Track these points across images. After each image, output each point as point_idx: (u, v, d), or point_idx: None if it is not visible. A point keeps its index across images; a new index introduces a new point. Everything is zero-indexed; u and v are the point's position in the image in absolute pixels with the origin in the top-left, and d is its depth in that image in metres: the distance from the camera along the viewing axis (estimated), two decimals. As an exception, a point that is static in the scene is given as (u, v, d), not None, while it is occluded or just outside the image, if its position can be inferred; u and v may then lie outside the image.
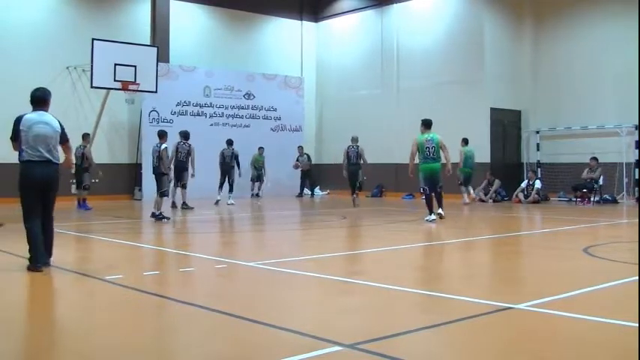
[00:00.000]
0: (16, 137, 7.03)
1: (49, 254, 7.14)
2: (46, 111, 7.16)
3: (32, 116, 7.03)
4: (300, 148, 21.78)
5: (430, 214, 12.28)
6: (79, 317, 5.23)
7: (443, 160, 12.53)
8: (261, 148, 20.22)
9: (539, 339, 4.28)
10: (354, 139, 17.47)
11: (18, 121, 7.01)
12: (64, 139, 7.21)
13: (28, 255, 6.94)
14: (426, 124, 12.60)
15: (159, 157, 13.03)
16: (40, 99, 7.16)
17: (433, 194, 12.30)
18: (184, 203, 15.52)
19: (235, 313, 4.99)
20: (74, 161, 7.50)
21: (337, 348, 3.99)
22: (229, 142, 18.05)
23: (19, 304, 5.61)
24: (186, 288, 6.31)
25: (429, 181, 12.27)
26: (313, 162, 23.81)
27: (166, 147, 13.24)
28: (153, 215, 12.72)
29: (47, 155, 6.95)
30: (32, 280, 6.77)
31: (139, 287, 6.11)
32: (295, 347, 4.05)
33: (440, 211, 12.41)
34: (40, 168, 6.96)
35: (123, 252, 8.73)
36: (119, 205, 16.62)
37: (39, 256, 6.89)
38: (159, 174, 13.02)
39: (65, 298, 6.13)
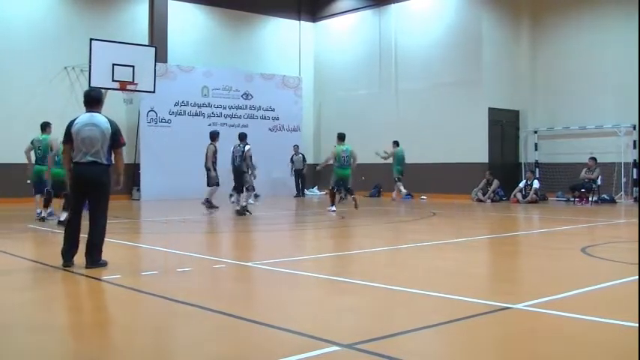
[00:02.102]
0: (68, 140, 7.07)
1: (90, 257, 6.96)
2: (99, 112, 7.22)
3: (82, 119, 7.09)
4: (296, 147, 21.62)
5: (332, 205, 15.00)
6: (77, 318, 5.22)
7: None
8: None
9: (538, 339, 4.28)
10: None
11: (70, 124, 7.10)
12: (116, 144, 7.12)
13: (28, 257, 6.92)
14: (341, 138, 15.36)
15: (242, 157, 13.93)
16: (93, 99, 7.27)
17: (336, 191, 15.56)
18: (244, 207, 14.50)
19: (233, 313, 4.98)
20: (122, 172, 7.47)
21: (335, 348, 3.98)
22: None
23: (18, 305, 5.59)
24: (184, 288, 6.29)
25: (339, 182, 15.17)
26: (311, 162, 23.78)
27: (250, 148, 14.17)
28: (240, 211, 13.67)
29: (92, 157, 6.95)
30: (30, 281, 6.77)
31: (137, 287, 6.10)
32: (293, 347, 4.04)
33: (353, 197, 15.07)
34: (85, 169, 6.98)
35: (121, 252, 8.72)
36: (117, 205, 16.56)
37: (66, 253, 6.99)
38: (241, 172, 13.98)
39: (63, 299, 6.11)
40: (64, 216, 11.54)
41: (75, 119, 7.13)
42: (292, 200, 20.33)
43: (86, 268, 6.87)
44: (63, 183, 11.79)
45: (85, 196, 7.07)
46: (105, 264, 7.02)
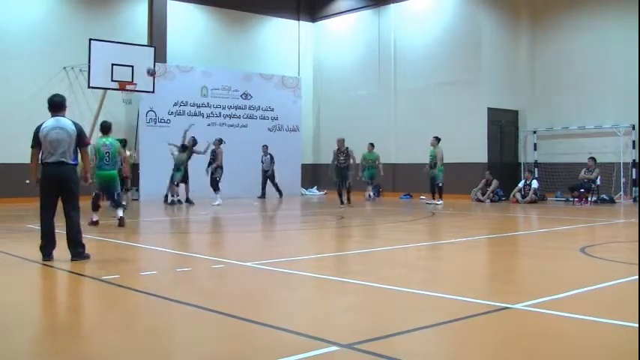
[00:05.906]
0: (37, 144, 7.53)
1: (74, 251, 7.45)
2: (63, 116, 7.68)
3: (49, 123, 7.53)
4: (265, 147, 20.82)
5: (437, 200, 17.62)
6: (76, 318, 5.22)
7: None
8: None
9: (537, 339, 4.28)
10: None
11: (37, 129, 7.55)
12: (81, 143, 7.63)
13: (25, 255, 6.96)
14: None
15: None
16: (58, 104, 7.69)
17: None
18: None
19: (233, 313, 4.98)
20: (89, 170, 8.13)
21: (335, 348, 3.98)
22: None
23: (16, 304, 5.59)
24: (183, 288, 6.29)
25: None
26: (310, 162, 23.78)
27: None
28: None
29: (60, 158, 7.43)
30: (28, 281, 6.77)
31: (136, 287, 6.10)
32: (293, 347, 4.04)
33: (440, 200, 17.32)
34: (55, 168, 7.44)
35: (120, 252, 8.72)
36: (116, 205, 16.58)
37: (45, 247, 7.46)
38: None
39: (62, 299, 6.11)
40: (95, 216, 11.61)
41: (41, 124, 7.58)
42: (287, 200, 20.29)
43: (72, 260, 7.35)
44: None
45: (56, 194, 7.49)
46: (88, 256, 7.50)
